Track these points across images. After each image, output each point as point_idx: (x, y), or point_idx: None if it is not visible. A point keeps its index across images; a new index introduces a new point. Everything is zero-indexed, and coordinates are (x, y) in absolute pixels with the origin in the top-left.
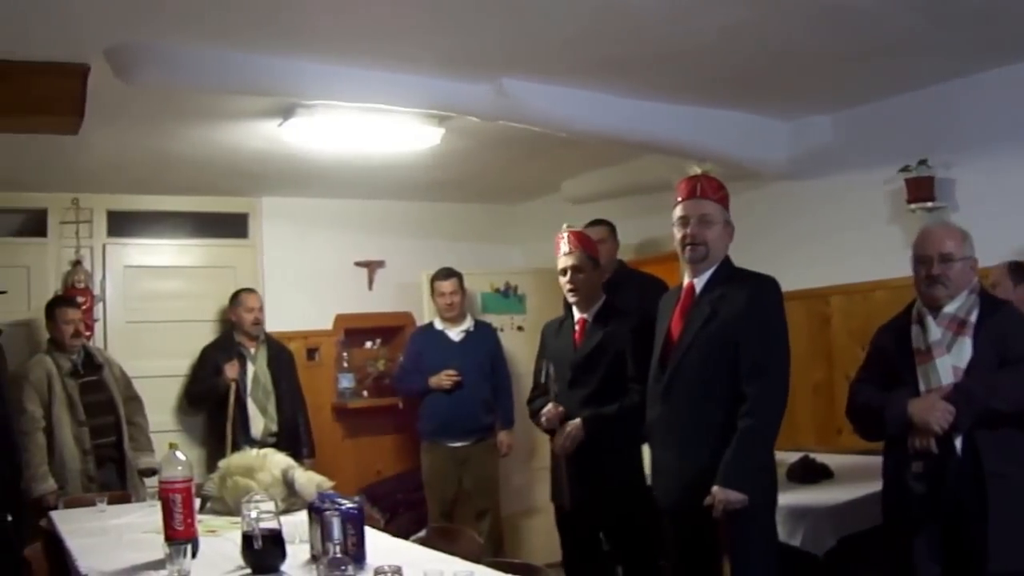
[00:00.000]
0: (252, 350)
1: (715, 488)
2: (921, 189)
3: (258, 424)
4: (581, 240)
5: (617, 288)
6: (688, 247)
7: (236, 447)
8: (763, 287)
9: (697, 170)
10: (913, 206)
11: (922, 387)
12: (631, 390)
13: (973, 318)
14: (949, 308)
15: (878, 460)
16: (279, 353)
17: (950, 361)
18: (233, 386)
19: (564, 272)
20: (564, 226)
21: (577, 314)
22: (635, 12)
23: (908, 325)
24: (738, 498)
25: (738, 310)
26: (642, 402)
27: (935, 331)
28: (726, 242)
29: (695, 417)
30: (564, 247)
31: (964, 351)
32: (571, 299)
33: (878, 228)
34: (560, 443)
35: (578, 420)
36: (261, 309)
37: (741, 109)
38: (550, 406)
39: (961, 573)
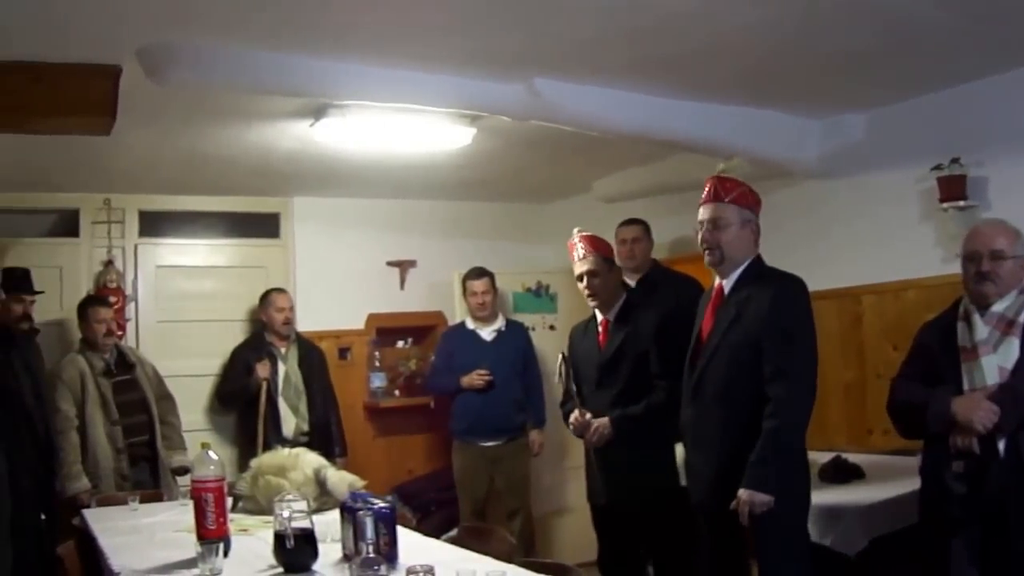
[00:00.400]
0: (283, 350)
1: (741, 490)
2: (953, 188)
3: (289, 424)
4: (594, 244)
5: (653, 287)
6: (706, 252)
7: (267, 447)
8: (787, 287)
9: (721, 166)
10: (945, 205)
11: (966, 386)
12: (656, 387)
13: (1022, 318)
14: (997, 307)
15: (910, 460)
16: (310, 352)
17: (996, 361)
18: (264, 385)
19: (581, 278)
20: (575, 231)
21: (600, 316)
22: (666, 10)
23: (954, 322)
24: (763, 500)
25: (762, 311)
26: (669, 399)
27: (982, 329)
28: (748, 241)
29: (721, 418)
30: (578, 252)
31: (1011, 351)
32: (591, 304)
33: (910, 227)
34: (588, 438)
35: (606, 419)
36: (291, 309)
37: (772, 107)
38: (576, 413)
39: None
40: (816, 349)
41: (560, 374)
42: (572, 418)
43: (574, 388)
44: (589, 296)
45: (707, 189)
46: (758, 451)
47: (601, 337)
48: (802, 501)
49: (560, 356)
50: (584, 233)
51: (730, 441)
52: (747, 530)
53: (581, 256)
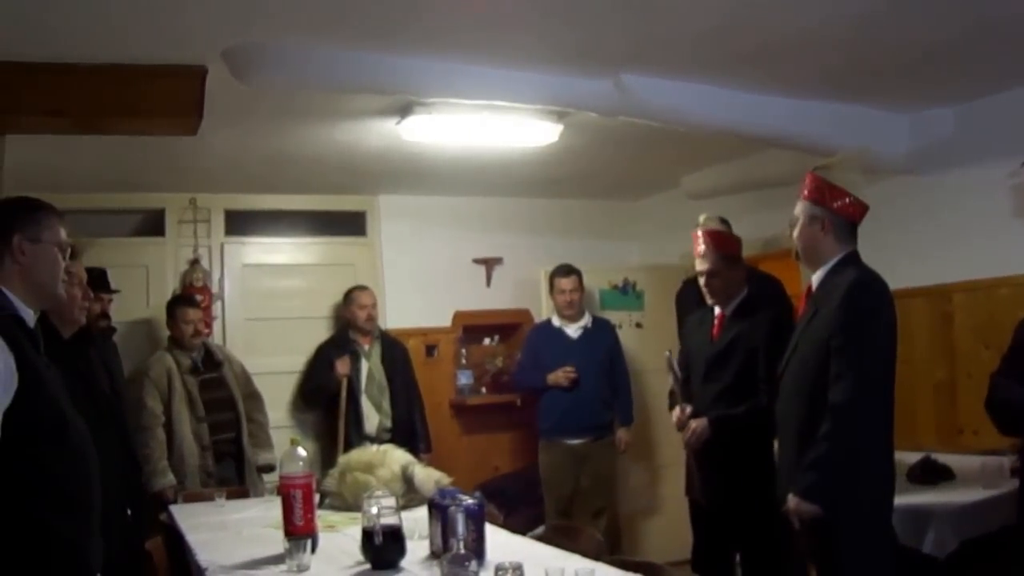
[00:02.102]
0: (366, 347)
1: (789, 496)
2: None
3: (372, 420)
4: (714, 240)
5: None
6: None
7: (349, 443)
8: (857, 284)
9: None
10: None
11: None
12: (760, 391)
13: None
14: None
15: (1001, 461)
16: (393, 349)
17: None
18: (345, 382)
19: (701, 275)
20: (701, 218)
21: (716, 309)
22: (754, 5)
23: None
24: (809, 509)
25: (833, 309)
26: (771, 403)
27: None
28: (819, 237)
29: (796, 416)
30: (698, 248)
31: None
32: (709, 301)
33: (1001, 223)
34: (686, 439)
35: (704, 420)
36: (374, 306)
37: (862, 102)
38: (676, 410)
39: None
40: (887, 350)
41: (673, 373)
42: (674, 415)
43: (677, 386)
44: (707, 292)
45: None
46: (808, 457)
47: (715, 330)
48: (868, 508)
49: (667, 354)
50: (708, 227)
51: (802, 439)
52: (802, 534)
53: (701, 253)
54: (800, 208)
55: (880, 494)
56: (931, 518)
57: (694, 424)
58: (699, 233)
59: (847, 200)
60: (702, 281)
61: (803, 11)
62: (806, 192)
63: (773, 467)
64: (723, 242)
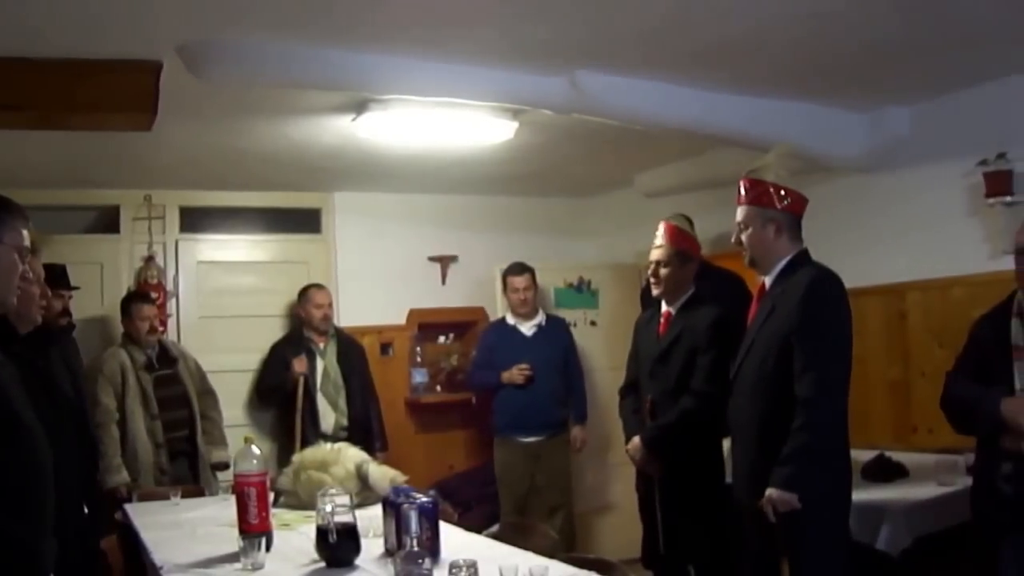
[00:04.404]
0: (321, 345)
1: (768, 489)
2: (999, 183)
3: (328, 419)
4: (671, 234)
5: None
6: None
7: (305, 442)
8: (817, 282)
9: (757, 164)
10: (991, 200)
11: (1017, 385)
12: (689, 391)
13: None
14: None
15: (954, 459)
16: (349, 348)
17: None
18: (302, 381)
19: (650, 264)
20: (670, 214)
21: (664, 306)
22: (711, 2)
23: (1009, 317)
24: (786, 500)
25: (792, 306)
26: (699, 404)
27: None
28: (773, 240)
29: (754, 412)
30: (656, 239)
31: None
32: (654, 292)
33: (956, 222)
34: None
35: (637, 440)
36: (330, 305)
37: (818, 101)
38: (633, 441)
39: None
40: (848, 345)
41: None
42: (629, 447)
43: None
44: (653, 284)
45: (738, 189)
46: (785, 450)
47: (661, 328)
48: (835, 500)
49: (648, 397)
50: (670, 221)
51: (763, 436)
52: (777, 528)
53: (657, 244)
54: (745, 214)
55: (845, 484)
56: (885, 515)
57: (629, 448)
58: (660, 224)
59: (790, 198)
60: (650, 270)
61: (759, 9)
62: (747, 198)
63: (720, 461)
64: (677, 237)
